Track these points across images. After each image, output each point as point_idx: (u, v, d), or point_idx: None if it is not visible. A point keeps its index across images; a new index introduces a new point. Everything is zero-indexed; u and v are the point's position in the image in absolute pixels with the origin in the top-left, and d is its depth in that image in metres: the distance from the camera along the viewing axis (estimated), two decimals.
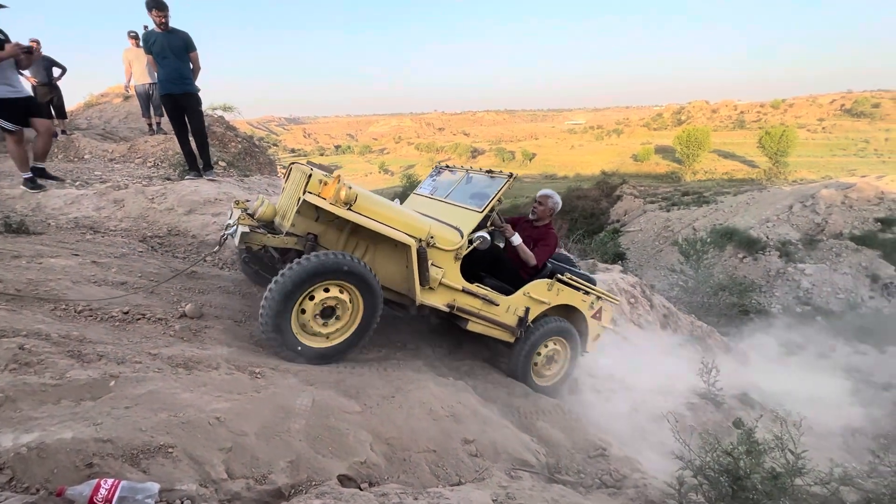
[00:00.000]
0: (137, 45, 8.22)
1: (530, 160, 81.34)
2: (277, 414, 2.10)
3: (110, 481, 1.46)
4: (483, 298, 3.30)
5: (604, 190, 37.92)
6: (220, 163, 8.75)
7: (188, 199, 4.75)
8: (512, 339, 3.58)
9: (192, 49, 4.98)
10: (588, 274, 4.08)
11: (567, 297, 3.76)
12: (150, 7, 4.59)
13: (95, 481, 1.45)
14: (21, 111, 4.29)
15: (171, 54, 4.86)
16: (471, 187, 3.58)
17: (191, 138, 5.44)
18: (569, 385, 4.20)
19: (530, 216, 3.83)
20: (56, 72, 8.09)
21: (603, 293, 4.04)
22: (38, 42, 7.89)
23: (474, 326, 3.35)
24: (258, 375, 2.36)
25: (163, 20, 4.72)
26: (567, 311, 3.88)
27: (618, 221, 32.09)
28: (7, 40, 4.10)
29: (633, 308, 7.78)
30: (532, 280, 3.57)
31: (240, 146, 12.57)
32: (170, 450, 1.70)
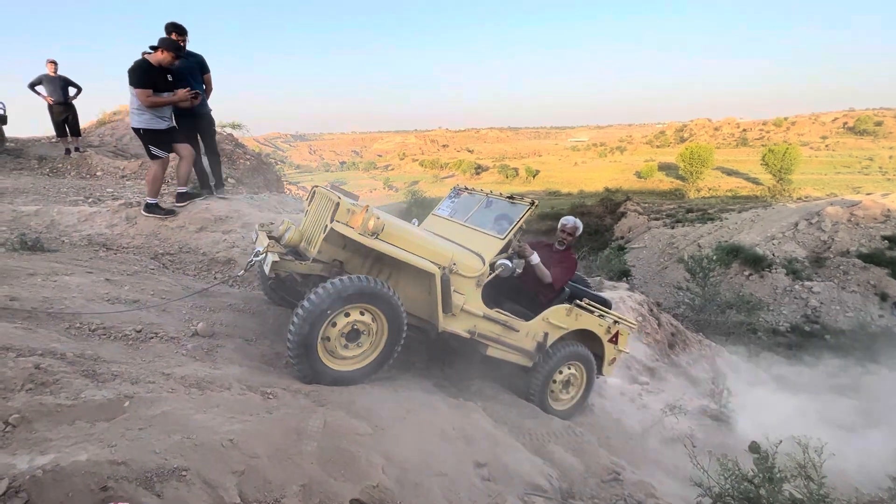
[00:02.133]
0: None
1: (534, 177, 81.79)
2: (289, 436, 2.08)
3: None
4: (503, 324, 3.30)
5: (608, 207, 37.99)
6: (229, 179, 8.86)
7: (199, 216, 4.79)
8: (530, 364, 3.57)
9: (206, 71, 5.10)
10: (605, 297, 4.08)
11: (585, 321, 3.76)
12: (169, 31, 4.70)
13: None
14: (169, 139, 4.55)
15: (187, 76, 4.97)
16: (491, 212, 3.61)
17: (204, 158, 5.51)
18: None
19: (557, 246, 3.85)
20: (72, 91, 8.30)
21: (620, 317, 4.05)
22: (55, 63, 8.09)
23: (494, 352, 3.35)
24: (270, 396, 2.35)
25: (182, 43, 4.83)
26: (584, 335, 3.88)
27: (622, 238, 32.06)
28: (179, 83, 4.54)
29: (641, 326, 7.71)
30: (551, 305, 3.57)
31: (249, 163, 12.74)
32: (183, 473, 1.68)
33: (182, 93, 4.49)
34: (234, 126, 14.42)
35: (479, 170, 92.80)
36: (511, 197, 3.59)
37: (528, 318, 3.47)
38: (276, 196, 7.70)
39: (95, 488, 1.52)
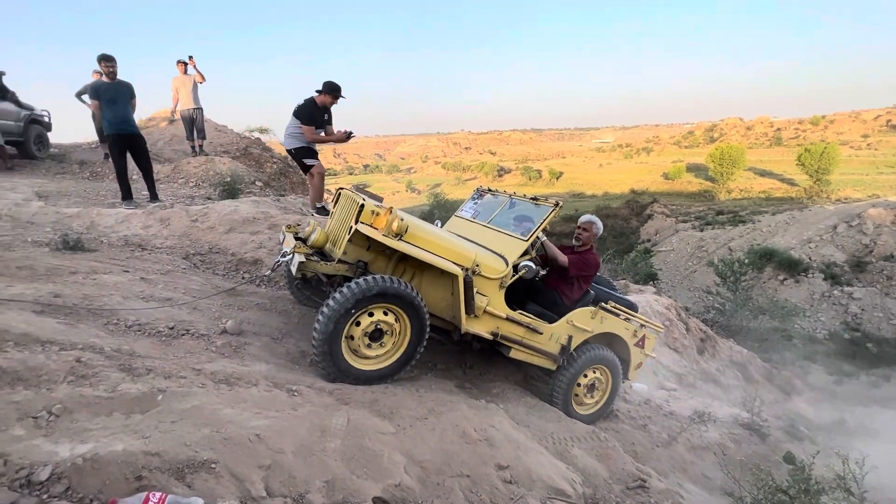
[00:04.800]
0: (185, 73, 8.76)
1: (557, 179, 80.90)
2: (314, 433, 2.12)
3: (158, 495, 1.50)
4: (526, 326, 3.27)
5: (633, 209, 37.24)
6: (256, 182, 9.11)
7: (228, 218, 4.94)
8: (554, 367, 3.52)
9: (133, 96, 5.68)
10: (631, 300, 4.00)
11: (611, 325, 3.70)
12: (99, 60, 5.37)
13: (144, 494, 1.50)
14: (310, 153, 5.20)
15: (121, 100, 5.54)
16: (514, 213, 3.59)
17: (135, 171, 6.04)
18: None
19: (574, 242, 3.79)
20: None
21: (646, 321, 3.96)
22: (100, 73, 8.47)
23: (517, 354, 3.32)
24: (295, 393, 2.40)
25: (111, 70, 5.44)
26: (609, 339, 3.81)
27: (648, 241, 31.36)
28: (330, 120, 5.23)
29: (669, 331, 7.51)
30: (575, 308, 3.52)
31: (275, 167, 13.04)
32: (212, 465, 1.73)
33: (340, 134, 5.25)
34: (261, 130, 14.80)
35: (501, 172, 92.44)
36: (535, 198, 3.56)
37: (551, 321, 3.44)
38: (301, 198, 7.85)
39: (131, 477, 1.59)
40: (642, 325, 3.93)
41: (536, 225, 3.31)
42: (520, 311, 3.31)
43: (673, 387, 6.20)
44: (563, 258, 3.51)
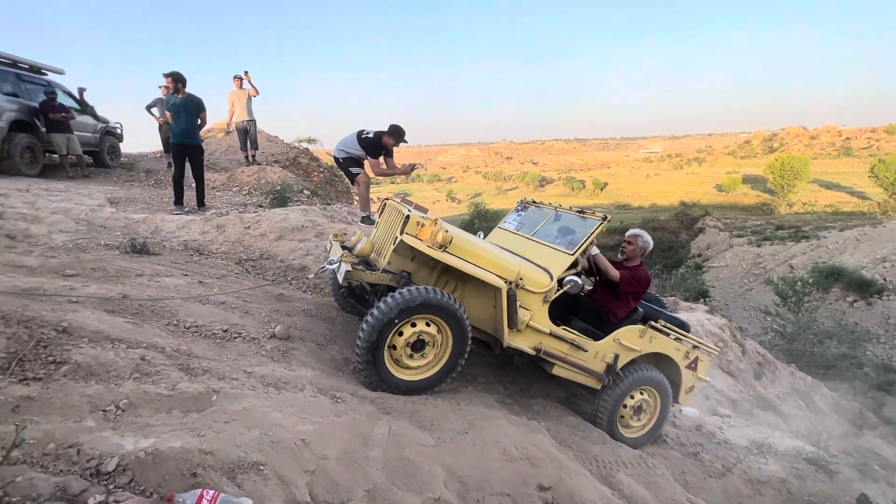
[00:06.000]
0: (240, 88, 9.30)
1: (602, 189, 78.94)
2: (356, 440, 2.14)
3: (211, 492, 1.56)
4: (571, 343, 3.19)
5: (683, 221, 35.64)
6: (304, 191, 9.47)
7: (278, 225, 5.15)
8: (598, 386, 3.41)
9: (201, 110, 6.20)
10: (682, 319, 3.81)
11: (660, 345, 3.54)
12: (166, 76, 5.94)
13: (199, 491, 1.56)
14: (356, 163, 5.57)
15: (186, 114, 6.04)
16: (559, 226, 3.53)
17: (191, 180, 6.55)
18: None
19: (619, 256, 3.68)
20: None
21: (699, 342, 3.76)
22: (167, 87, 9.16)
23: (560, 371, 3.24)
24: (339, 400, 2.44)
25: (176, 86, 5.97)
26: (658, 360, 3.65)
27: (699, 256, 29.86)
28: (390, 155, 5.58)
29: (723, 353, 7.08)
30: (622, 325, 3.40)
31: (321, 175, 13.52)
32: (261, 467, 1.79)
33: (405, 167, 5.69)
34: (309, 141, 15.43)
35: (543, 182, 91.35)
36: (581, 211, 3.48)
37: (597, 338, 3.33)
38: (346, 207, 8.09)
39: (187, 474, 1.66)
40: (695, 347, 3.73)
41: (583, 238, 3.23)
42: (563, 327, 3.23)
43: (727, 413, 5.82)
44: (615, 273, 3.40)
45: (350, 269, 2.80)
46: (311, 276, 3.93)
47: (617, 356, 3.36)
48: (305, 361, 2.84)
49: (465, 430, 2.57)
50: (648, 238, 3.67)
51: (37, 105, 7.64)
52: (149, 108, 9.35)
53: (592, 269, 3.53)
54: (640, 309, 3.53)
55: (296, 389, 2.41)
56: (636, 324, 3.48)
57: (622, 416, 3.54)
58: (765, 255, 24.75)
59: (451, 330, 2.79)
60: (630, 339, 3.40)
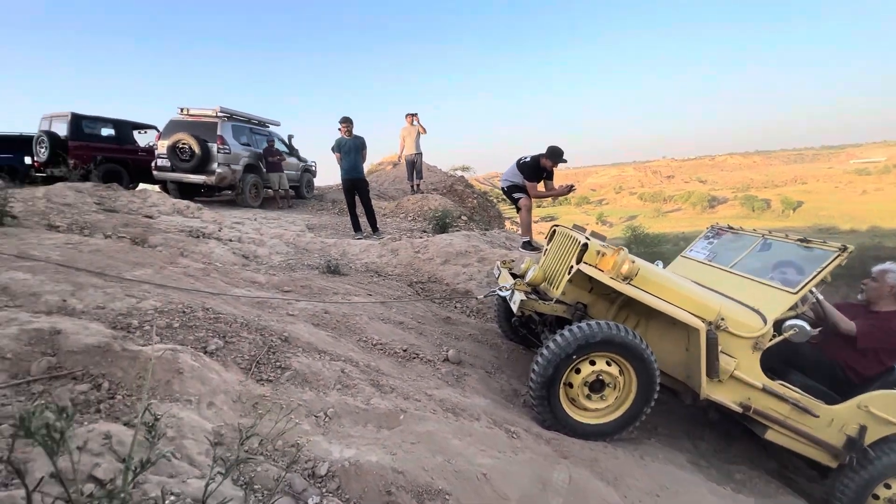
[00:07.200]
0: (411, 125, 10.34)
1: (794, 210, 65.51)
2: (535, 484, 2.01)
3: None
4: (793, 404, 2.60)
5: None
6: (462, 217, 9.95)
7: (444, 250, 5.43)
8: (834, 464, 2.68)
9: (363, 148, 7.09)
10: None
11: None
12: (340, 121, 6.99)
13: None
14: (518, 189, 5.91)
15: (352, 152, 7.00)
16: (770, 257, 2.96)
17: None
18: None
19: (858, 297, 2.90)
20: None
21: None
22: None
23: (776, 437, 2.65)
24: (514, 435, 2.35)
25: (347, 129, 6.99)
26: None
27: None
28: (550, 177, 5.75)
29: None
30: (871, 387, 2.64)
31: (475, 201, 14.08)
32: (447, 497, 1.78)
33: (563, 188, 5.83)
34: (464, 168, 16.30)
35: (713, 202, 79.97)
36: (803, 239, 2.83)
37: (831, 401, 2.61)
38: (503, 232, 8.19)
39: (382, 491, 1.74)
40: None
41: (810, 274, 2.60)
42: (780, 382, 2.62)
43: None
44: (847, 325, 2.67)
45: (524, 297, 2.73)
46: (479, 297, 3.98)
47: (864, 428, 2.58)
48: (477, 389, 2.84)
49: (655, 491, 2.23)
50: None
51: (261, 151, 9.71)
52: (333, 149, 11.11)
53: (820, 315, 2.82)
54: None
55: (472, 418, 2.40)
56: (891, 388, 2.64)
57: None
58: None
59: (636, 372, 2.49)
60: (884, 408, 2.58)
